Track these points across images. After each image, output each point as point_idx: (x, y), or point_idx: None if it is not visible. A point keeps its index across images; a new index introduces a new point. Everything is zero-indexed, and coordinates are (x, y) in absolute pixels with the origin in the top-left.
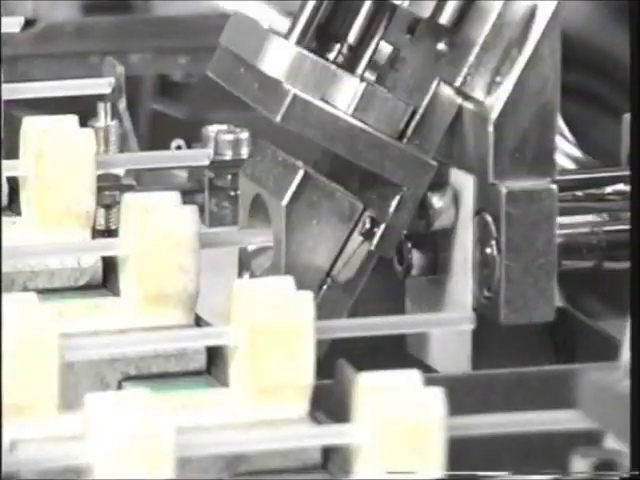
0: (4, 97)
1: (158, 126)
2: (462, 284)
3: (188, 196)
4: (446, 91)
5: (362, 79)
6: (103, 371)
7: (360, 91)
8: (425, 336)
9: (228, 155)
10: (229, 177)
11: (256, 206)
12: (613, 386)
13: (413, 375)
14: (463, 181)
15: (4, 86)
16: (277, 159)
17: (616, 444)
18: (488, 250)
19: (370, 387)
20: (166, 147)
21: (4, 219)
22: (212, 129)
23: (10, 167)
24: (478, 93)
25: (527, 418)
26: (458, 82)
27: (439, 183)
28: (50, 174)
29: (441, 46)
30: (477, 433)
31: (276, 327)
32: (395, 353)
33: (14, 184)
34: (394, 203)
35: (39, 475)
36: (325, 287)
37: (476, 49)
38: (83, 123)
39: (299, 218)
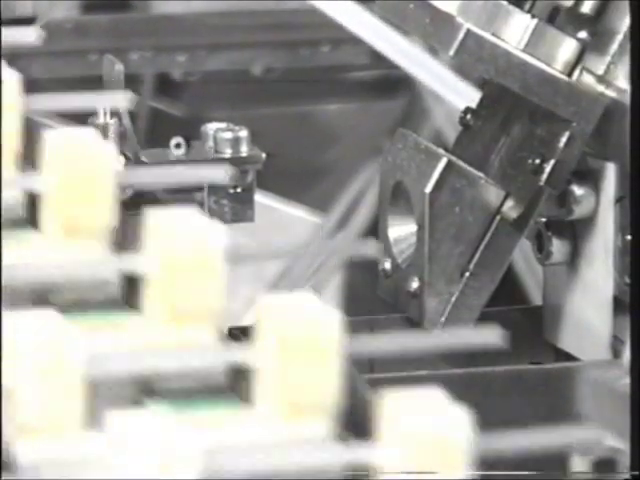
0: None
1: (157, 124)
2: (603, 271)
3: (187, 194)
4: (589, 79)
5: (533, 15)
6: (125, 388)
7: (531, 27)
8: (562, 322)
9: (227, 153)
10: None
11: (397, 194)
12: (612, 384)
13: (438, 394)
14: (604, 169)
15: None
16: (419, 147)
17: (615, 442)
18: (629, 237)
19: (394, 406)
20: (165, 145)
21: (23, 234)
22: (211, 127)
23: (30, 180)
24: (621, 81)
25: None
26: (601, 71)
27: (580, 171)
28: (71, 188)
29: (583, 35)
30: (505, 451)
31: (302, 344)
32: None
33: (33, 198)
34: (564, 139)
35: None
36: (467, 274)
37: (619, 38)
38: (82, 121)
39: (442, 206)
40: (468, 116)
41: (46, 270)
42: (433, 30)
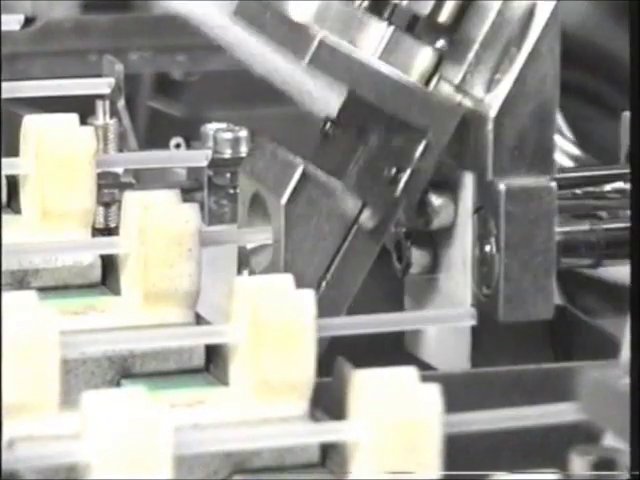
0: (3, 95)
1: (157, 124)
2: (461, 282)
3: (187, 194)
4: (445, 88)
5: (390, 23)
6: (102, 368)
7: (387, 35)
8: (423, 333)
9: (227, 153)
10: (228, 175)
11: (255, 203)
12: (612, 384)
13: (410, 372)
14: (462, 179)
15: (3, 84)
16: (276, 156)
17: (615, 442)
18: (487, 248)
19: (367, 384)
20: (165, 145)
21: (4, 217)
22: (211, 127)
23: (10, 165)
24: (477, 91)
25: (524, 413)
26: (458, 80)
27: (438, 181)
28: (50, 172)
29: (440, 44)
30: (475, 429)
31: (276, 325)
32: (393, 351)
33: (13, 182)
34: (419, 149)
35: (38, 473)
36: (324, 285)
37: (475, 47)
38: (82, 121)
39: (298, 216)
40: (327, 125)
41: (26, 253)
42: (289, 39)
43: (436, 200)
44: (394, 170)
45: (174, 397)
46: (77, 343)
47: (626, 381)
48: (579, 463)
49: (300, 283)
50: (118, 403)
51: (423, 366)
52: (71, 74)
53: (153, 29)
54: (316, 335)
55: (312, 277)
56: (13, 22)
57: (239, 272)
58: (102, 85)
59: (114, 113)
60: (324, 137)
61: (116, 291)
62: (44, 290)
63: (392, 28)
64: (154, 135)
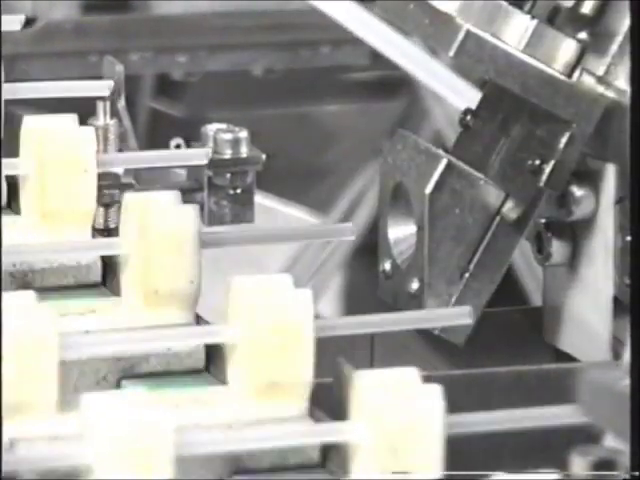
0: (4, 96)
1: (157, 125)
2: (603, 272)
3: (187, 195)
4: (589, 80)
5: (533, 16)
6: (103, 369)
7: (531, 27)
8: (562, 323)
9: (227, 154)
10: (228, 176)
11: (397, 195)
12: (612, 385)
13: (411, 372)
14: (604, 170)
15: (4, 86)
16: (419, 148)
17: (615, 443)
18: (629, 238)
19: (368, 384)
20: (165, 146)
21: (4, 218)
22: (211, 128)
23: (10, 166)
24: (621, 82)
25: (525, 414)
26: (601, 71)
27: (580, 172)
28: (50, 173)
29: (583, 35)
30: (475, 430)
31: (275, 325)
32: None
33: (13, 183)
34: (564, 140)
35: (38, 475)
36: (467, 275)
37: (619, 39)
38: (82, 122)
39: (442, 206)
40: (468, 117)
41: (26, 254)
42: (433, 31)
43: (578, 191)
44: (538, 161)
45: (174, 397)
46: (76, 344)
47: (626, 382)
48: (579, 463)
49: (443, 274)
50: (118, 405)
51: (563, 356)
52: (71, 75)
53: (153, 30)
54: (314, 335)
55: (455, 268)
56: (14, 23)
57: (381, 262)
58: (102, 87)
59: (114, 114)
60: (464, 128)
61: (116, 292)
62: (44, 291)
63: (535, 21)
64: (154, 136)
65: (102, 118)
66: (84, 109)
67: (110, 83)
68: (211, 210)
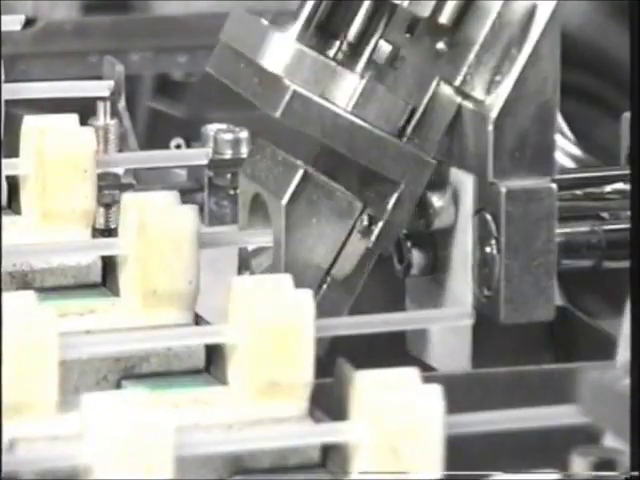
0: (4, 97)
1: (157, 125)
2: (462, 283)
3: (187, 195)
4: (446, 90)
5: (362, 76)
6: (103, 370)
7: (360, 88)
8: (425, 334)
9: (227, 154)
10: (228, 176)
11: (256, 205)
12: (612, 385)
13: (411, 373)
14: (463, 180)
15: (4, 86)
16: (277, 158)
17: (615, 443)
18: (488, 249)
19: (368, 385)
20: (165, 146)
21: (4, 218)
22: (211, 128)
23: (10, 166)
24: (478, 92)
25: (525, 414)
26: (458, 81)
27: (439, 182)
28: (50, 173)
29: (441, 45)
30: (476, 430)
31: (275, 325)
32: (394, 352)
33: (13, 183)
34: (392, 200)
35: (38, 475)
36: (325, 286)
37: (476, 48)
38: (83, 122)
39: (299, 217)
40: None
41: (26, 254)
42: (262, 91)
43: (437, 201)
44: (366, 222)
45: (175, 397)
46: (76, 344)
47: (626, 382)
48: (580, 464)
49: (300, 284)
50: (118, 405)
51: (425, 367)
52: (72, 75)
53: (153, 30)
54: (314, 335)
55: (312, 278)
56: (14, 23)
57: (240, 273)
58: (102, 88)
59: (115, 114)
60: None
61: (116, 292)
62: (44, 291)
63: (364, 80)
64: (154, 136)
65: (102, 118)
66: (84, 109)
67: (110, 83)
68: (211, 210)
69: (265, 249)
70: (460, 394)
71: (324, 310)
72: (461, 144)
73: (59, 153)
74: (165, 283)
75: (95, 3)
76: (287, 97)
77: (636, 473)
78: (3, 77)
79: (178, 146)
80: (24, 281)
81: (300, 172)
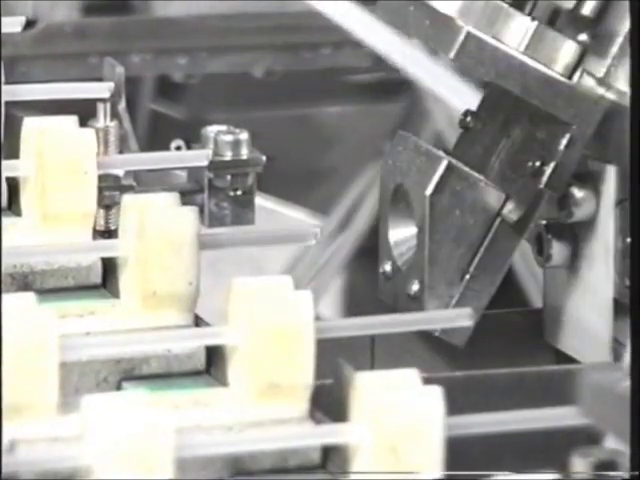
0: (4, 99)
1: (158, 127)
2: (603, 274)
3: (187, 197)
4: (589, 82)
5: (533, 18)
6: (103, 371)
7: (531, 29)
8: (563, 324)
9: (228, 156)
10: (229, 178)
11: (397, 196)
12: (612, 386)
13: (412, 374)
14: (605, 171)
15: (4, 87)
16: (419, 149)
17: (616, 444)
18: (629, 240)
19: (368, 386)
20: (166, 148)
21: (4, 220)
22: (212, 130)
23: (10, 167)
24: (621, 84)
25: (526, 416)
26: (601, 73)
27: (580, 173)
28: (51, 174)
29: (583, 37)
30: (476, 432)
31: (275, 327)
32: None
33: (13, 185)
34: (564, 141)
35: (38, 475)
36: (467, 277)
37: (619, 40)
38: (83, 124)
39: (442, 208)
40: (468, 118)
41: (26, 256)
42: (433, 33)
43: (578, 192)
44: (538, 162)
45: (175, 399)
46: (76, 346)
47: (626, 384)
48: (580, 465)
49: (443, 275)
50: (119, 406)
51: (563, 357)
52: (72, 77)
53: (154, 32)
54: (314, 336)
55: (455, 269)
56: (14, 25)
57: (381, 264)
58: (102, 89)
59: (115, 115)
60: (465, 130)
61: (116, 293)
62: (44, 292)
63: (536, 22)
64: (155, 137)
65: (102, 120)
66: (84, 111)
67: (110, 85)
68: (212, 212)
69: (408, 240)
70: (460, 396)
71: (467, 301)
72: (603, 136)
73: (59, 155)
74: (165, 285)
75: (95, 4)
76: (461, 38)
77: (636, 473)
78: (3, 79)
79: (178, 148)
80: (24, 282)
81: (444, 163)
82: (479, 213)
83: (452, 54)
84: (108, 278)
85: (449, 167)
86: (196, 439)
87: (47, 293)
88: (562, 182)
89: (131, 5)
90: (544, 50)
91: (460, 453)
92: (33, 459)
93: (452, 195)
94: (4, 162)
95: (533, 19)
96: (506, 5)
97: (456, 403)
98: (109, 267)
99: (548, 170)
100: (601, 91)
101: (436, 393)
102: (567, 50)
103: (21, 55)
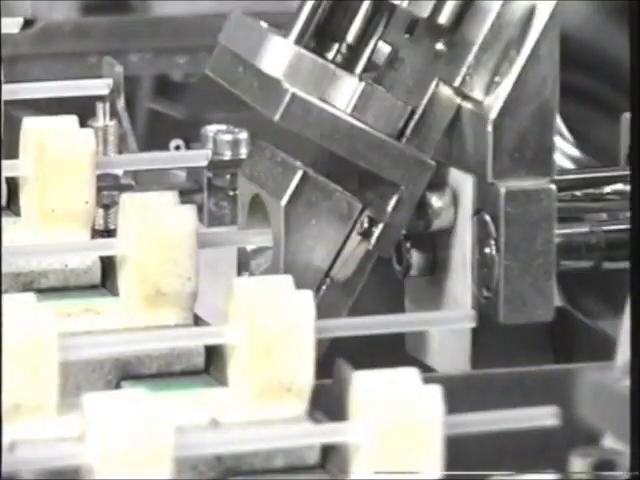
0: (3, 98)
1: (157, 126)
2: (461, 284)
3: (187, 196)
4: (445, 91)
5: (361, 78)
6: (103, 370)
7: (359, 90)
8: (424, 336)
9: (227, 155)
10: (228, 177)
11: (255, 206)
12: (612, 386)
13: (411, 373)
14: (462, 181)
15: (3, 87)
16: (276, 159)
17: (615, 443)
18: (487, 250)
19: (367, 385)
20: (165, 147)
21: (4, 219)
22: (211, 129)
23: (10, 167)
24: (477, 93)
25: (525, 415)
26: (457, 82)
27: (438, 183)
28: (50, 174)
29: (440, 46)
30: (475, 431)
31: (275, 327)
32: (394, 353)
33: (12, 184)
34: (392, 202)
35: (38, 475)
36: (324, 287)
37: (475, 49)
38: (82, 123)
39: (298, 218)
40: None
41: (25, 255)
42: (261, 94)
43: (436, 202)
44: (366, 224)
45: (175, 398)
46: (76, 345)
47: (625, 383)
48: (579, 464)
49: (300, 285)
50: (119, 405)
51: (424, 368)
52: (71, 76)
53: (153, 31)
54: (314, 336)
55: (312, 279)
56: (12, 26)
57: (239, 274)
58: (101, 86)
59: (114, 115)
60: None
61: (115, 293)
62: (43, 291)
63: (363, 83)
64: (154, 137)
65: (101, 119)
66: (83, 110)
67: (109, 82)
68: (211, 211)
69: (264, 250)
70: (459, 395)
71: (323, 311)
72: (460, 145)
73: (58, 154)
74: (163, 283)
75: (94, 4)
76: (286, 100)
77: (636, 473)
78: (3, 78)
79: (177, 147)
80: (23, 282)
81: (299, 173)
82: (335, 223)
83: (277, 116)
84: (107, 277)
85: (304, 177)
86: (195, 438)
87: (46, 292)
88: (391, 243)
89: (130, 4)
90: (372, 111)
91: (459, 453)
92: (33, 458)
93: (308, 205)
94: (4, 162)
95: (360, 79)
96: (333, 66)
97: (455, 402)
98: (108, 266)
99: (377, 231)
100: (457, 100)
101: (436, 393)
102: (396, 110)
103: (20, 54)
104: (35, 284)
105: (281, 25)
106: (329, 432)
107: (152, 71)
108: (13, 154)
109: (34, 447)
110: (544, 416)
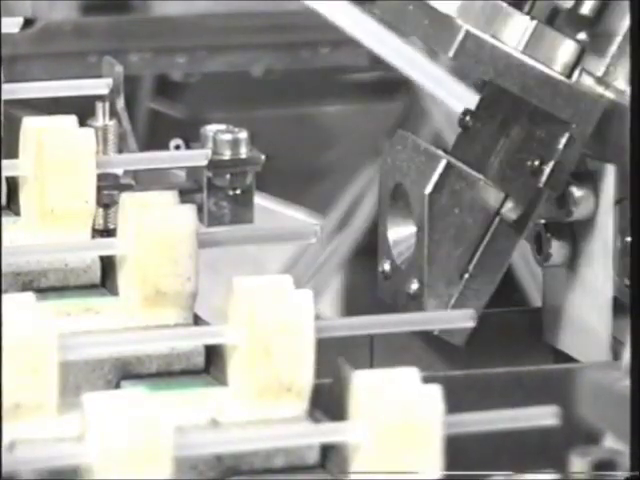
0: (3, 97)
1: (157, 126)
2: (602, 273)
3: (187, 196)
4: (588, 81)
5: (532, 17)
6: (102, 370)
7: (530, 28)
8: (562, 324)
9: (227, 155)
10: (228, 177)
11: (396, 195)
12: (612, 386)
13: (411, 373)
14: (604, 170)
15: (3, 86)
16: (418, 148)
17: (615, 443)
18: (629, 239)
19: (367, 385)
20: (165, 147)
21: (4, 219)
22: (211, 129)
23: (10, 167)
24: (620, 83)
25: (524, 414)
26: (600, 72)
27: (579, 172)
28: (50, 173)
29: (582, 36)
30: (475, 430)
31: (275, 326)
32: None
33: (12, 184)
34: (563, 140)
35: (38, 475)
36: (466, 276)
37: (618, 39)
38: (82, 123)
39: (441, 207)
40: (467, 118)
41: (25, 255)
42: (432, 32)
43: (577, 191)
44: (537, 162)
45: (174, 398)
46: (76, 344)
47: (625, 383)
48: (579, 464)
49: (442, 274)
50: (119, 405)
51: (562, 357)
52: (71, 76)
53: (153, 31)
54: (315, 336)
55: (454, 268)
56: (12, 26)
57: (381, 263)
58: (101, 86)
59: (114, 114)
60: (464, 129)
61: (115, 292)
62: (43, 291)
63: (535, 21)
64: (154, 137)
65: (101, 119)
66: (83, 110)
67: (109, 81)
68: (211, 211)
69: (407, 239)
70: (459, 395)
71: (466, 300)
72: (602, 134)
73: (58, 154)
74: (163, 283)
75: (94, 3)
76: (460, 37)
77: (636, 473)
78: (3, 78)
79: (177, 147)
80: (23, 281)
81: (443, 162)
82: (478, 212)
83: (451, 53)
84: (107, 277)
85: (448, 166)
86: (195, 438)
87: (46, 292)
88: (561, 181)
89: (130, 4)
90: (543, 49)
91: (459, 452)
92: (33, 458)
93: (451, 194)
94: (4, 161)
95: (532, 18)
96: (505, 4)
97: (455, 402)
98: (108, 266)
99: (547, 169)
100: (600, 90)
101: (435, 392)
102: (566, 49)
103: (20, 54)
104: (35, 283)
105: (281, 25)
106: (329, 432)
107: (152, 71)
108: (13, 154)
109: (34, 447)
110: (544, 416)
